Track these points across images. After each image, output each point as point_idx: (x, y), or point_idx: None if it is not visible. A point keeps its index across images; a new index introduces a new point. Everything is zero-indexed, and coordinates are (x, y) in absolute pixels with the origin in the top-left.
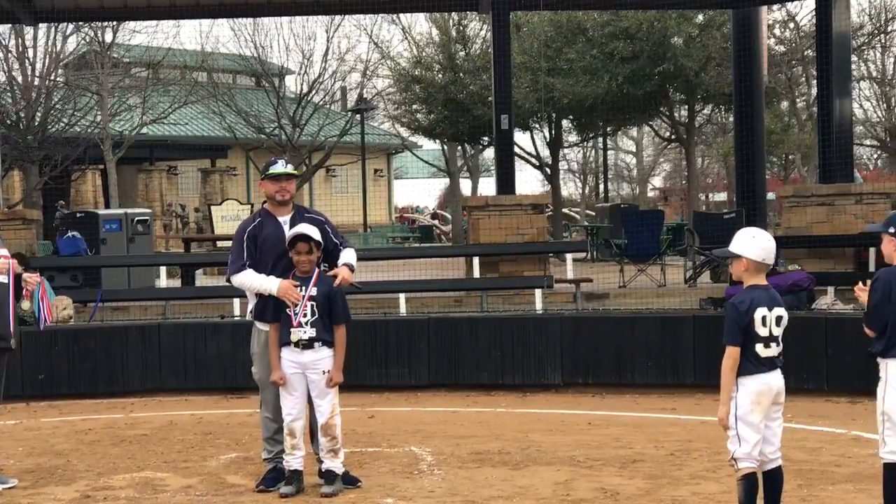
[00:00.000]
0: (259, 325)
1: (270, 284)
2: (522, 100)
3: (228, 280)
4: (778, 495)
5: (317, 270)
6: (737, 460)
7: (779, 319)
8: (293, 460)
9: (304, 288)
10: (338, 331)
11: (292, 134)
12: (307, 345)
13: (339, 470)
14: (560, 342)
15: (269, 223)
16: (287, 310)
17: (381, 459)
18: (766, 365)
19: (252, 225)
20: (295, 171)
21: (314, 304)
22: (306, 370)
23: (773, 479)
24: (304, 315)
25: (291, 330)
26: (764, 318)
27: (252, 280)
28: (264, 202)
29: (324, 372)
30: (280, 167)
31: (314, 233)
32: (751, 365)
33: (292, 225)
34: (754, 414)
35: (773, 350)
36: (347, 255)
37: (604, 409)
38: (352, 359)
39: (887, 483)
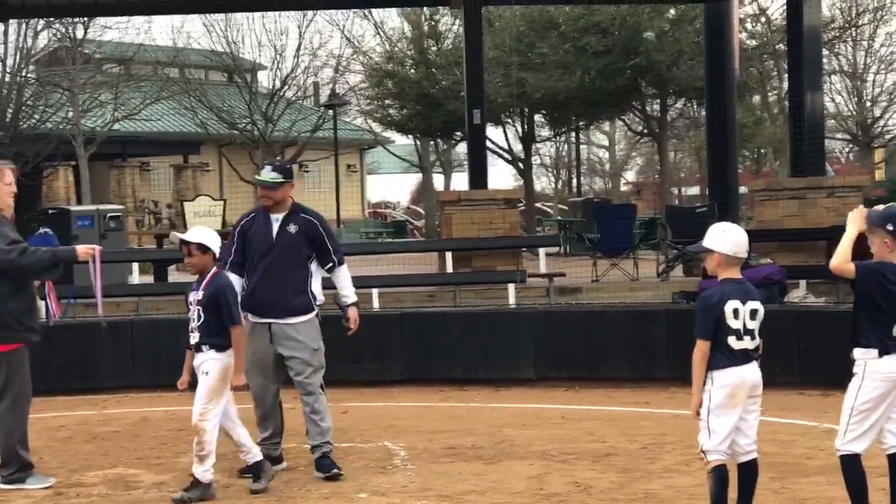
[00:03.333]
0: (249, 316)
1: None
2: (495, 94)
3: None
4: (752, 488)
5: (210, 273)
6: (706, 453)
7: (753, 313)
8: (201, 469)
9: (195, 292)
10: (233, 332)
11: (265, 129)
12: (197, 348)
13: (203, 478)
14: (533, 336)
15: (261, 220)
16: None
17: (354, 455)
18: (740, 358)
19: (246, 219)
20: (280, 180)
21: (200, 308)
22: (198, 372)
23: (748, 471)
24: (193, 319)
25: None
26: (735, 311)
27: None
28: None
29: (205, 373)
30: (265, 174)
31: (194, 236)
32: (724, 358)
33: (283, 224)
34: (727, 407)
35: (747, 343)
36: (348, 288)
37: (577, 403)
38: (325, 354)
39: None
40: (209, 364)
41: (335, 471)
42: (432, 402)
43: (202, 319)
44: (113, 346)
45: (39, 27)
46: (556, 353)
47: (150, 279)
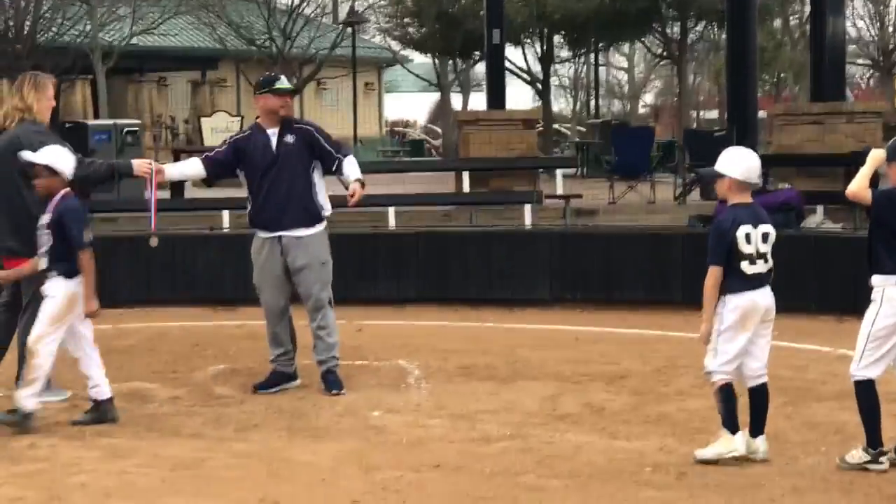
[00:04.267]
0: (259, 232)
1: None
2: (514, 14)
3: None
4: (764, 412)
5: (58, 196)
6: (711, 373)
7: (765, 236)
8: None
9: (45, 215)
10: (80, 256)
11: (283, 46)
12: (47, 272)
13: (26, 406)
14: (549, 258)
15: (259, 136)
16: None
17: (368, 373)
18: (753, 282)
19: (241, 136)
20: (296, 88)
21: (49, 231)
22: (44, 294)
23: (759, 395)
24: (42, 245)
25: None
26: (748, 236)
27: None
28: (258, 116)
29: (51, 297)
30: (285, 83)
31: (42, 158)
32: (737, 282)
33: (280, 136)
34: (738, 331)
35: (760, 267)
36: (353, 169)
37: (591, 324)
38: (340, 272)
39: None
40: (55, 288)
41: (336, 390)
42: (447, 321)
43: (50, 244)
44: (129, 261)
45: None
46: (571, 275)
47: (166, 194)
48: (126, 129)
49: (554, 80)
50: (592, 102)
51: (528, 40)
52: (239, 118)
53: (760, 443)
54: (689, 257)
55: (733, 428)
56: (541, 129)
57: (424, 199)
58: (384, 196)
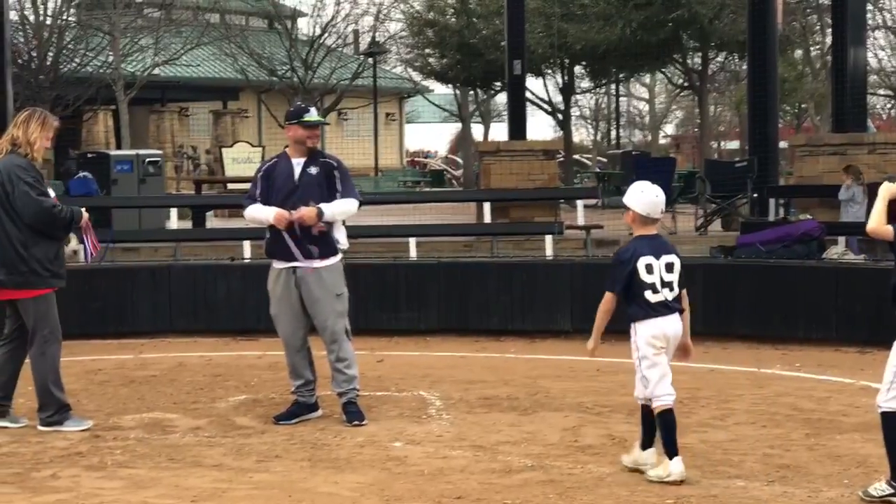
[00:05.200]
0: (274, 263)
1: (268, 214)
2: (535, 45)
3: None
4: (654, 429)
5: None
6: (652, 399)
7: (669, 266)
8: None
9: None
10: None
11: (304, 77)
12: None
13: None
14: (570, 288)
15: (284, 164)
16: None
17: (389, 403)
18: (658, 310)
19: (269, 164)
20: (326, 121)
21: None
22: None
23: (650, 412)
24: None
25: None
26: (649, 266)
27: (256, 212)
28: (286, 146)
29: None
30: (314, 115)
31: None
32: (642, 311)
33: (305, 167)
34: (655, 354)
35: (665, 295)
36: (332, 205)
37: (612, 355)
38: (361, 302)
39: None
40: None
41: (356, 422)
42: (468, 352)
43: None
44: (150, 291)
45: None
46: (592, 306)
47: (188, 225)
48: (148, 160)
49: (574, 111)
50: (613, 133)
51: (549, 71)
52: (260, 148)
53: (648, 455)
54: (709, 289)
55: (672, 453)
56: (562, 159)
57: (446, 230)
58: (405, 226)
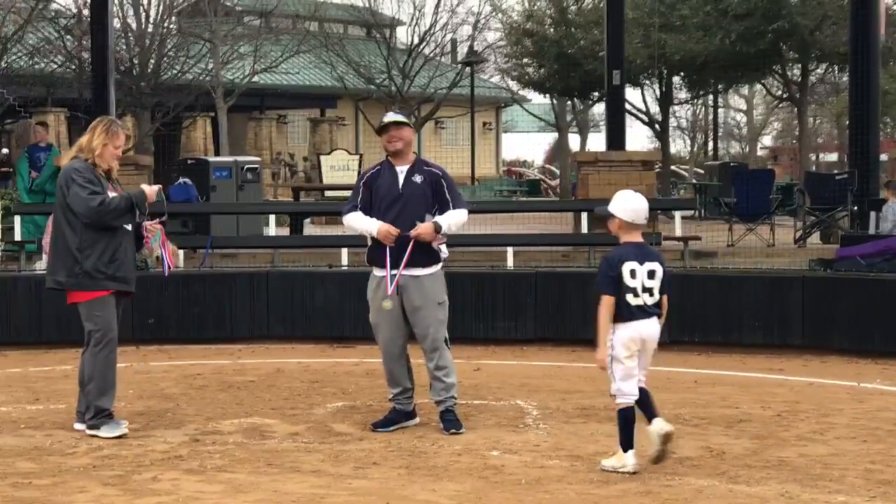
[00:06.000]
0: (375, 271)
1: (371, 227)
2: (634, 55)
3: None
4: (649, 402)
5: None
6: (615, 396)
7: (651, 273)
8: None
9: None
10: None
11: (402, 85)
12: None
13: None
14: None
15: (387, 172)
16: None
17: (486, 412)
18: (637, 313)
19: (371, 172)
20: (404, 119)
21: None
22: None
23: (639, 395)
24: None
25: None
26: (633, 272)
27: (356, 221)
28: (388, 155)
29: None
30: (390, 117)
31: None
32: (623, 313)
33: (409, 175)
34: (625, 357)
35: (644, 299)
36: (447, 216)
37: (710, 367)
38: (458, 312)
39: None
40: None
41: (454, 430)
42: (565, 361)
43: None
44: (248, 298)
45: None
46: (689, 317)
47: (285, 231)
48: (246, 166)
49: (672, 122)
50: (710, 144)
51: (647, 81)
52: (358, 156)
53: (658, 423)
54: (809, 301)
55: (626, 446)
56: (659, 170)
57: (543, 240)
58: (502, 236)
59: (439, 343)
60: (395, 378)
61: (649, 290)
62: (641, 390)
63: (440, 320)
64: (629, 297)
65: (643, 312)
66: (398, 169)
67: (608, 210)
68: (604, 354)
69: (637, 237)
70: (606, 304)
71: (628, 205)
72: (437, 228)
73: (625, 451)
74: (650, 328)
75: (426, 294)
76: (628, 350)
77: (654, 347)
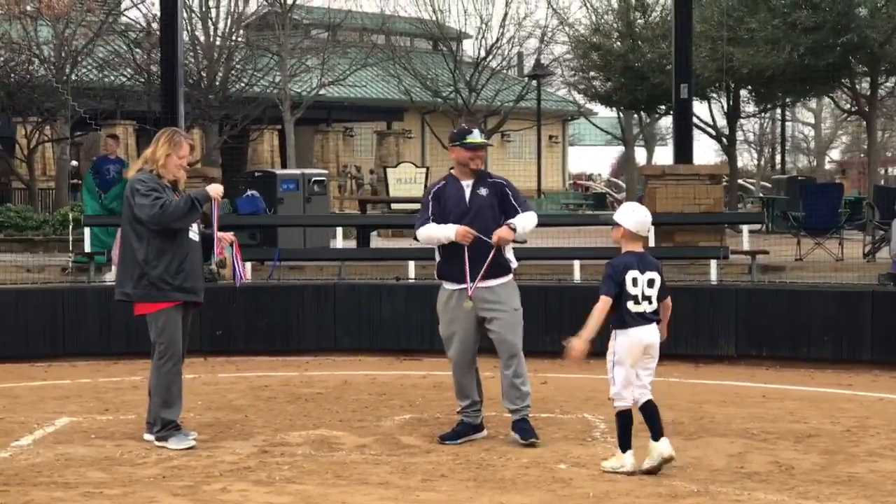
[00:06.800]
0: (445, 284)
1: (448, 231)
2: (701, 69)
3: (415, 238)
4: (656, 420)
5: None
6: (613, 399)
7: (651, 282)
8: None
9: None
10: None
11: (468, 98)
12: None
13: None
14: (734, 313)
15: (453, 186)
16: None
17: (553, 425)
18: (637, 320)
19: (438, 186)
20: (489, 142)
21: None
22: None
23: (646, 410)
24: None
25: None
26: (635, 279)
27: (432, 231)
28: (452, 167)
29: None
30: (477, 137)
31: None
32: (624, 319)
33: (474, 188)
34: (625, 361)
35: (644, 307)
36: (521, 218)
37: (778, 382)
38: (525, 324)
39: None
40: None
41: (532, 438)
42: None
43: None
44: (315, 309)
45: None
46: (757, 332)
47: (352, 244)
48: (313, 179)
49: (739, 135)
50: (777, 157)
51: (715, 95)
52: (424, 169)
53: (663, 445)
54: (878, 315)
55: (625, 447)
56: (726, 183)
57: (609, 253)
58: (569, 249)
59: (517, 350)
60: (465, 390)
61: (648, 299)
62: (649, 404)
63: (517, 327)
64: (630, 305)
65: (643, 319)
66: (463, 183)
67: (614, 219)
68: (580, 345)
69: (639, 247)
70: (604, 302)
71: (634, 216)
72: (513, 229)
73: (623, 451)
74: (650, 334)
75: (503, 301)
76: (631, 356)
77: (657, 353)
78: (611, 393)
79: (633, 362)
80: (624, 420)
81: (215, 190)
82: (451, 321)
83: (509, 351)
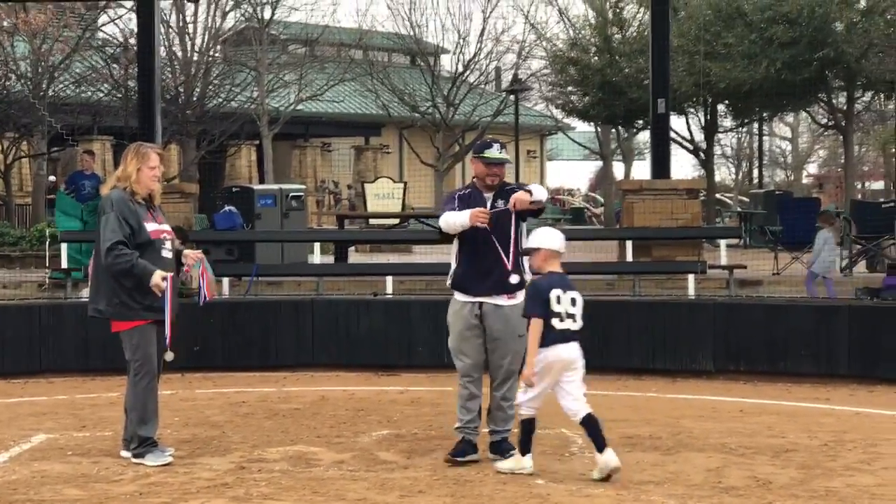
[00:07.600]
0: (457, 295)
1: (463, 217)
2: (678, 84)
3: (439, 230)
4: (597, 433)
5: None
6: (520, 405)
7: (573, 301)
8: None
9: None
10: None
11: (446, 113)
12: None
13: None
14: (712, 328)
15: (476, 196)
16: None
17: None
18: (559, 337)
19: (463, 192)
20: (509, 158)
21: None
22: None
23: (586, 424)
24: None
25: None
26: (558, 297)
27: (451, 216)
28: (474, 177)
29: None
30: (496, 152)
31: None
32: (548, 336)
33: (494, 200)
34: (543, 376)
35: (568, 324)
36: (531, 186)
37: (755, 396)
38: None
39: None
40: None
41: (511, 451)
42: (609, 390)
43: None
44: (293, 325)
45: (228, 7)
46: (735, 346)
47: (330, 259)
48: (291, 194)
49: (717, 150)
50: (755, 172)
51: (692, 109)
52: (402, 184)
53: (608, 455)
54: (855, 330)
55: (525, 451)
56: (704, 198)
57: (587, 268)
58: None
59: (512, 375)
60: (470, 405)
61: (572, 317)
62: (590, 417)
63: (517, 352)
64: (555, 322)
65: (565, 337)
66: (486, 196)
67: (534, 244)
68: (531, 372)
69: (558, 267)
70: (536, 325)
71: (555, 237)
72: (529, 191)
73: (523, 454)
74: (571, 351)
75: (508, 325)
76: (550, 374)
77: (580, 366)
78: (518, 400)
79: (552, 380)
80: (527, 427)
81: (156, 283)
82: (463, 334)
83: (504, 374)
